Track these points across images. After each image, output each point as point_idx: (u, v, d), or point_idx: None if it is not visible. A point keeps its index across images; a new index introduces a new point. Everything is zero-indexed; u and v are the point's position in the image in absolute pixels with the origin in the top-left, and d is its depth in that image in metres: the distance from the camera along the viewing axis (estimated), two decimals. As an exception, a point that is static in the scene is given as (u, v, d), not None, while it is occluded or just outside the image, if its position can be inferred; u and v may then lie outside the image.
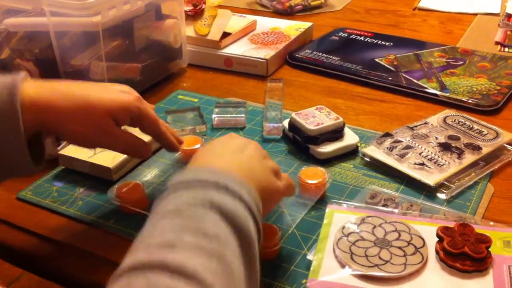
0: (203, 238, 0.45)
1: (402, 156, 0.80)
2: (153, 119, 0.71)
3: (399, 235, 0.66)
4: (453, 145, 0.82)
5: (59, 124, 0.63)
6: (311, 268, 0.63)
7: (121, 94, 0.68)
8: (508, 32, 1.22)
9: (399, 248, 0.64)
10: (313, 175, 0.75)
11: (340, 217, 0.69)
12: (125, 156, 0.80)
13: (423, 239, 0.65)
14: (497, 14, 1.36)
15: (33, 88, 0.62)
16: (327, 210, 0.71)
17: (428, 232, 0.66)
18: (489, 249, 0.62)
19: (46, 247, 0.71)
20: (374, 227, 0.67)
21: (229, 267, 0.45)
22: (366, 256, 0.63)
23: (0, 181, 0.66)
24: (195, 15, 1.19)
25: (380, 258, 0.63)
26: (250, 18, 1.25)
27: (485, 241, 0.63)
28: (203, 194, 0.50)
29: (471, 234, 0.63)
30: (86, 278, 0.67)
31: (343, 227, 0.67)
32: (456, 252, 0.61)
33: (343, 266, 0.62)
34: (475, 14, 1.38)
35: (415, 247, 0.64)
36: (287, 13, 1.41)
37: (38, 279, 0.72)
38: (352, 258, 0.63)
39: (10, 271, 0.72)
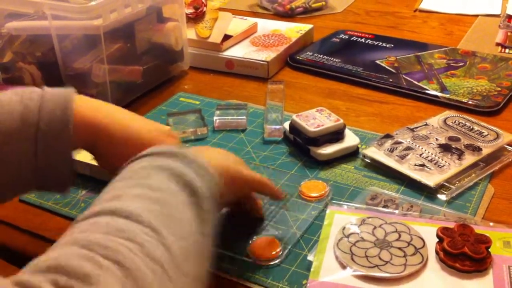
0: (148, 190, 0.50)
1: (402, 157, 0.81)
2: None
3: (399, 235, 0.66)
4: (453, 146, 0.83)
5: (108, 150, 0.64)
6: (312, 269, 0.63)
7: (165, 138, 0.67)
8: (509, 33, 1.22)
9: (399, 248, 0.64)
10: (314, 187, 0.76)
11: (341, 218, 0.70)
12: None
13: (423, 240, 0.65)
14: (497, 15, 1.37)
15: (88, 109, 0.62)
16: (327, 211, 0.71)
17: (428, 232, 0.66)
18: (489, 250, 0.63)
19: (48, 248, 0.71)
20: (375, 228, 0.67)
21: (173, 212, 0.49)
22: (367, 256, 0.63)
23: (30, 191, 0.66)
24: (196, 17, 1.20)
25: (380, 258, 0.63)
26: (251, 20, 1.25)
27: (485, 241, 0.63)
28: (160, 161, 0.54)
29: (470, 235, 0.64)
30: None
31: (344, 228, 0.68)
32: (456, 252, 0.62)
33: (343, 266, 0.63)
34: (476, 16, 1.38)
35: (415, 247, 0.64)
36: (288, 15, 1.41)
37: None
38: (352, 259, 0.63)
39: (14, 273, 0.73)
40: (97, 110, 0.63)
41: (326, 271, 0.62)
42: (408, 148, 0.82)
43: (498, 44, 1.21)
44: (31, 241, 0.73)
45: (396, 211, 0.71)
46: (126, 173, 0.54)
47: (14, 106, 0.58)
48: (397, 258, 0.63)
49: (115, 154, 0.63)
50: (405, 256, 0.63)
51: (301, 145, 0.85)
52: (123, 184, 0.52)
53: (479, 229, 0.65)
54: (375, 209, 0.71)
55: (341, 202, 0.73)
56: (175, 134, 0.71)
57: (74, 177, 0.63)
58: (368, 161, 0.83)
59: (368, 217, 0.69)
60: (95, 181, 0.81)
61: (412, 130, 0.87)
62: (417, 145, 0.83)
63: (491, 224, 0.68)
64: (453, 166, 0.79)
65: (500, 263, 0.62)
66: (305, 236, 0.69)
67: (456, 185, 0.76)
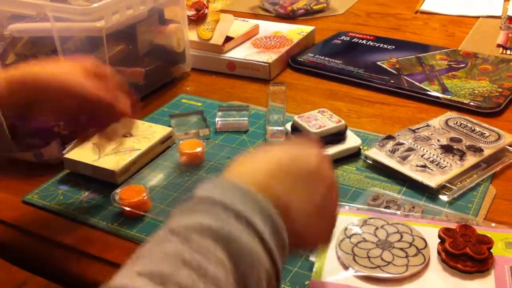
0: (201, 278, 0.40)
1: (404, 158, 0.81)
2: None
3: (401, 236, 0.66)
4: (455, 147, 0.83)
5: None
6: (314, 269, 0.63)
7: None
8: (510, 35, 1.22)
9: (401, 249, 0.64)
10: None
11: (343, 219, 0.70)
12: (129, 159, 0.81)
13: (425, 240, 0.65)
14: (498, 17, 1.37)
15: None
16: None
17: (430, 233, 0.66)
18: (491, 250, 0.63)
19: (52, 250, 0.72)
20: (376, 228, 0.68)
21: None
22: (369, 257, 0.63)
23: None
24: (197, 19, 1.20)
25: (382, 259, 0.63)
26: (253, 22, 1.26)
27: (487, 242, 0.63)
28: (221, 223, 0.44)
29: (472, 235, 0.64)
30: (92, 281, 0.68)
31: (346, 229, 0.68)
32: (457, 253, 0.62)
33: (345, 267, 0.63)
34: (477, 17, 1.39)
35: (417, 248, 0.64)
36: (289, 17, 1.42)
37: (45, 282, 0.72)
38: (354, 259, 0.63)
39: (17, 274, 0.73)
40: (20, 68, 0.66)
41: (328, 272, 0.63)
42: (410, 149, 0.83)
43: (499, 46, 1.22)
44: (34, 242, 0.73)
45: (398, 212, 0.71)
46: (180, 224, 0.44)
47: None
48: (399, 258, 0.63)
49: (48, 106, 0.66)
50: (407, 256, 0.63)
51: (303, 146, 0.85)
52: (173, 251, 0.42)
53: (481, 230, 0.65)
54: (376, 210, 0.72)
55: (343, 203, 0.73)
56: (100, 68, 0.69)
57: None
58: (370, 162, 0.83)
59: (370, 218, 0.69)
60: (98, 182, 0.81)
61: (413, 131, 0.87)
62: (419, 146, 0.83)
63: (493, 224, 0.68)
64: (454, 167, 0.79)
65: (502, 264, 0.62)
66: (307, 237, 0.70)
67: (457, 186, 0.76)
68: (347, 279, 0.61)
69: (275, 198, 0.48)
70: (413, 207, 0.73)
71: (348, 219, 0.70)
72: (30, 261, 0.72)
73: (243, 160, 0.53)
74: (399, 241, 0.66)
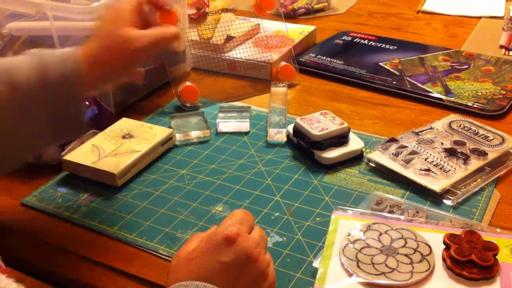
0: None
1: (407, 161, 0.80)
2: None
3: (406, 242, 0.65)
4: (458, 150, 0.82)
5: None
6: (317, 276, 0.62)
7: None
8: (513, 36, 1.21)
9: (406, 255, 0.63)
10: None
11: (346, 224, 0.69)
12: (129, 161, 0.80)
13: (429, 247, 0.64)
14: (501, 18, 1.36)
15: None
16: (332, 217, 0.70)
17: (435, 239, 0.65)
18: (496, 257, 0.62)
19: (49, 253, 0.71)
20: (380, 234, 0.67)
21: None
22: (373, 263, 0.62)
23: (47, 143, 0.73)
24: (198, 18, 1.18)
25: (386, 265, 0.62)
26: (254, 21, 1.24)
27: (492, 248, 0.62)
28: None
29: (478, 242, 0.63)
30: (89, 284, 0.67)
31: (349, 234, 0.67)
32: (463, 259, 0.61)
33: (349, 274, 0.62)
34: (479, 18, 1.38)
35: (421, 254, 0.64)
36: (290, 16, 1.40)
37: (41, 284, 0.71)
38: (358, 266, 0.62)
39: (13, 276, 0.72)
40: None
41: (332, 278, 0.62)
42: (413, 152, 0.82)
43: (502, 47, 1.21)
44: (32, 246, 0.72)
45: (402, 217, 0.70)
46: None
47: (30, 63, 0.66)
48: (403, 265, 0.62)
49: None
50: (411, 263, 0.62)
51: (305, 149, 0.84)
52: None
53: (485, 236, 0.65)
54: (380, 215, 0.71)
55: (346, 207, 0.73)
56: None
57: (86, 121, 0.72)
58: (373, 165, 0.82)
59: (374, 223, 0.68)
60: (97, 184, 0.80)
61: (417, 134, 0.86)
62: (422, 149, 0.82)
63: (498, 230, 0.67)
64: (458, 171, 0.78)
65: (508, 271, 0.62)
66: (310, 242, 0.69)
67: (462, 190, 0.75)
68: (351, 285, 0.61)
69: None
70: (417, 212, 0.72)
71: (351, 224, 0.69)
72: (26, 263, 0.71)
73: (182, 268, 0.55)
74: (403, 247, 0.65)
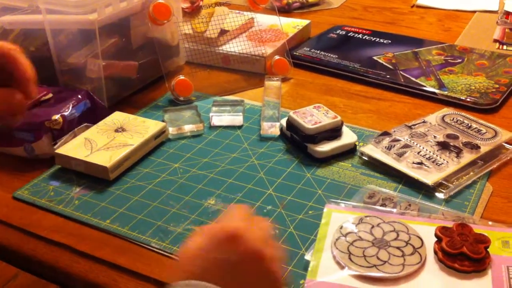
0: None
1: (400, 155, 0.80)
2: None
3: (397, 235, 0.65)
4: (451, 144, 0.82)
5: None
6: (309, 269, 0.62)
7: None
8: (507, 30, 1.21)
9: (398, 248, 0.63)
10: None
11: (338, 217, 0.69)
12: (122, 155, 0.80)
13: (421, 239, 0.65)
14: (495, 12, 1.36)
15: None
16: (325, 210, 0.70)
17: (427, 232, 0.65)
18: (488, 250, 0.62)
19: (42, 246, 0.70)
20: (372, 227, 0.67)
21: None
22: (364, 256, 0.63)
23: None
24: (192, 12, 1.18)
25: (378, 258, 0.62)
26: (248, 15, 1.24)
27: (484, 241, 0.62)
28: None
29: (469, 234, 0.63)
30: (82, 278, 0.67)
31: (341, 227, 0.67)
32: (454, 252, 0.61)
33: (341, 266, 0.62)
34: (474, 12, 1.38)
35: (413, 247, 0.64)
36: (285, 10, 1.40)
37: (35, 278, 0.71)
38: (350, 259, 0.62)
39: (6, 270, 0.72)
40: None
41: (324, 271, 0.62)
42: (406, 146, 0.82)
43: (495, 41, 1.21)
44: (24, 239, 0.72)
45: (394, 210, 0.70)
46: None
47: None
48: (395, 258, 0.62)
49: None
50: (403, 255, 0.62)
51: (298, 142, 0.84)
52: None
53: (477, 229, 0.65)
54: (372, 208, 0.71)
55: (338, 201, 0.73)
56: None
57: None
58: (366, 158, 0.82)
59: (366, 216, 0.68)
60: (89, 178, 0.80)
61: (410, 127, 0.86)
62: (415, 143, 0.82)
63: (490, 223, 0.68)
64: (451, 164, 0.78)
65: (499, 263, 0.62)
66: (303, 235, 0.69)
67: (454, 183, 0.75)
68: (342, 278, 0.61)
69: None
70: (409, 205, 0.72)
71: (343, 217, 0.69)
72: (19, 257, 0.71)
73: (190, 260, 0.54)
74: (395, 239, 0.65)
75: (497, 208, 0.73)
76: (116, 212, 0.73)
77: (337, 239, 0.65)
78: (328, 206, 0.71)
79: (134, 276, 0.65)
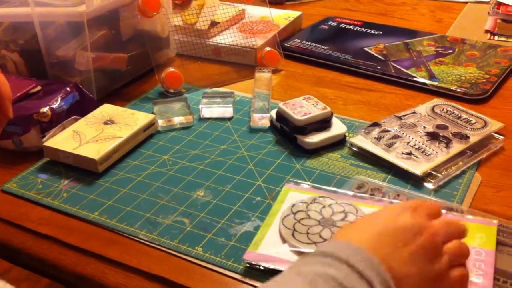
0: None
1: (389, 145, 0.80)
2: None
3: (345, 215, 0.67)
4: (441, 134, 0.82)
5: None
6: (252, 241, 0.64)
7: None
8: (498, 20, 1.21)
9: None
10: None
11: (294, 196, 0.71)
12: (110, 147, 0.79)
13: None
14: (487, 2, 1.36)
15: None
16: (282, 189, 0.73)
17: None
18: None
19: (30, 239, 0.70)
20: (324, 207, 0.68)
21: None
22: (308, 233, 0.64)
23: None
24: (182, 4, 1.18)
25: (320, 236, 0.64)
26: (239, 7, 1.24)
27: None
28: (345, 277, 0.47)
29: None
30: (70, 270, 0.66)
31: (293, 205, 0.69)
32: None
33: (283, 241, 0.64)
34: (465, 3, 1.37)
35: None
36: (277, 2, 1.40)
37: (28, 272, 0.71)
38: (293, 235, 0.64)
39: (-2, 264, 0.72)
40: None
41: (266, 245, 0.64)
42: (396, 137, 0.82)
43: (487, 31, 1.21)
44: (13, 232, 0.72)
45: (356, 193, 0.71)
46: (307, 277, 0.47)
47: None
48: None
49: None
50: None
51: (288, 134, 0.84)
52: None
53: (463, 221, 0.65)
54: (331, 190, 0.72)
55: (299, 181, 0.74)
56: None
57: None
58: (355, 149, 0.82)
59: (320, 196, 0.70)
60: (78, 170, 0.79)
61: (399, 118, 0.86)
62: (405, 134, 0.82)
63: (469, 217, 0.67)
64: (440, 155, 0.78)
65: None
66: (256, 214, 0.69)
67: (443, 173, 0.75)
68: (281, 252, 0.62)
69: (391, 270, 0.50)
70: (398, 195, 0.72)
71: (299, 196, 0.71)
72: (9, 250, 0.71)
73: (356, 227, 0.56)
74: (342, 220, 0.66)
75: (486, 198, 0.73)
76: (104, 205, 0.73)
77: (286, 216, 0.67)
78: (287, 185, 0.74)
79: (122, 268, 0.65)
